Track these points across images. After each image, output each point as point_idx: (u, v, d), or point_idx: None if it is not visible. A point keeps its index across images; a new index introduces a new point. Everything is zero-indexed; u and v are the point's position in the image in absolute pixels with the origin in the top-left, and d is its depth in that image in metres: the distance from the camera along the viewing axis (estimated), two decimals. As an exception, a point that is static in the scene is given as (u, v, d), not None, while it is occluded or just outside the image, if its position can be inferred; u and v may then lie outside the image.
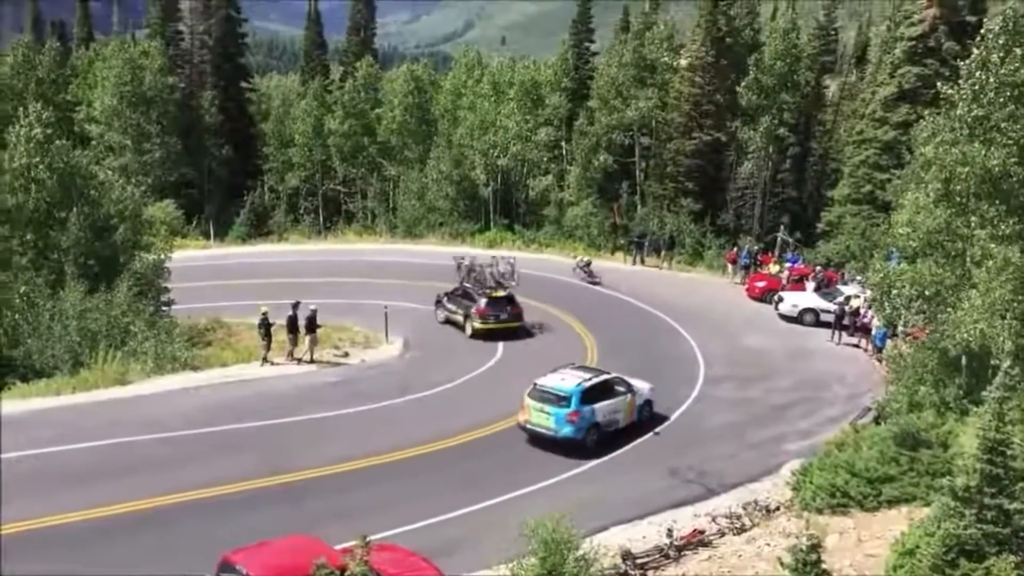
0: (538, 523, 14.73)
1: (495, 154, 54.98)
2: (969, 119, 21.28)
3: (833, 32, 67.41)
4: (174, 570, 15.86)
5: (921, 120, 26.44)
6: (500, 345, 32.10)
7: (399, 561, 14.98)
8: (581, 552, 14.82)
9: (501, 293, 33.84)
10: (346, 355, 30.48)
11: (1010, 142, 20.73)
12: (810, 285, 38.42)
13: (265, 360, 28.75)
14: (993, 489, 12.90)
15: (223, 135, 65.44)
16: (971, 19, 43.03)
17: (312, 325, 29.02)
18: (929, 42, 44.52)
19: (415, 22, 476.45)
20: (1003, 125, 20.84)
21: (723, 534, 18.84)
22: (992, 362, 20.45)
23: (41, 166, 29.98)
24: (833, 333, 33.88)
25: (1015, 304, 19.73)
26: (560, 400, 22.93)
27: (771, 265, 43.06)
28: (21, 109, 32.88)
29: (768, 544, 18.00)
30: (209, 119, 64.91)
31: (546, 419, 22.95)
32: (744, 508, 19.67)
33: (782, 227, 48.60)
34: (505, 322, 33.26)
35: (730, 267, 44.22)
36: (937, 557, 13.08)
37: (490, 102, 56.70)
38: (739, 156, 53.20)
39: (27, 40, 69.49)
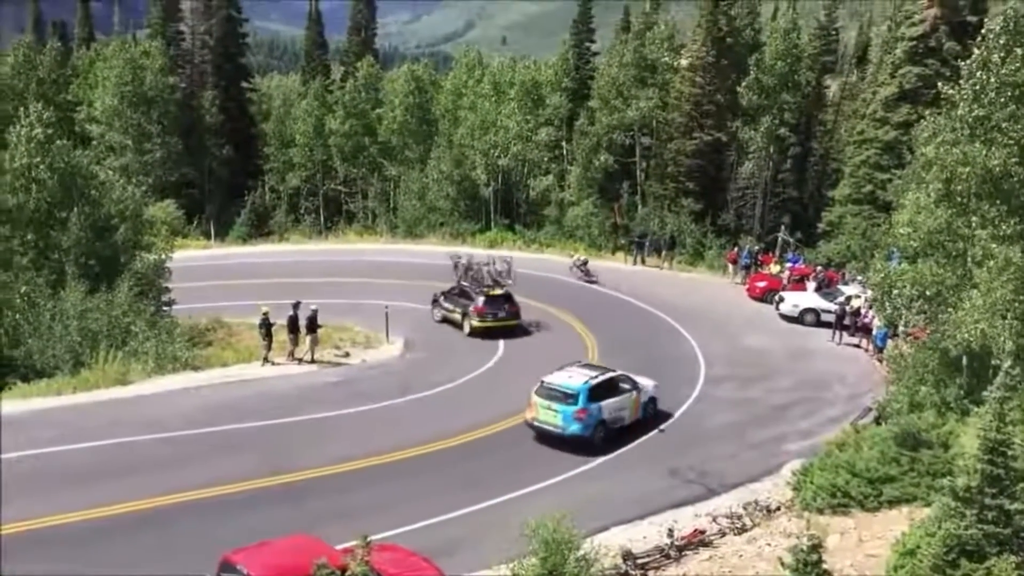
0: (539, 523, 14.74)
1: (496, 154, 54.95)
2: (970, 119, 21.28)
3: (834, 32, 67.45)
4: (174, 570, 15.87)
5: (922, 120, 26.43)
6: (501, 345, 32.10)
7: (400, 561, 14.98)
8: (582, 552, 14.83)
9: (498, 291, 33.94)
10: (347, 355, 30.49)
11: (1011, 142, 20.73)
12: (811, 285, 38.40)
13: (266, 360, 28.76)
14: (994, 489, 12.90)
15: (224, 135, 65.45)
16: (972, 19, 42.96)
17: (313, 325, 29.03)
18: (930, 42, 44.49)
19: (416, 22, 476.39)
20: (1004, 125, 20.83)
21: (724, 534, 18.84)
22: (993, 362, 20.44)
23: (42, 166, 29.99)
24: (834, 333, 33.87)
25: (1016, 304, 19.72)
26: (567, 398, 23.06)
27: (772, 265, 43.04)
28: (22, 109, 32.87)
29: (769, 544, 18.00)
30: (210, 119, 64.92)
31: (554, 416, 23.07)
32: (745, 508, 19.68)
33: (783, 227, 48.59)
34: (503, 320, 33.39)
35: (731, 267, 44.20)
36: (938, 557, 13.07)
37: (491, 102, 56.66)
38: (740, 156, 53.20)
39: (28, 40, 69.61)
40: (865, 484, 19.31)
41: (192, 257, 44.99)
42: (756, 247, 45.91)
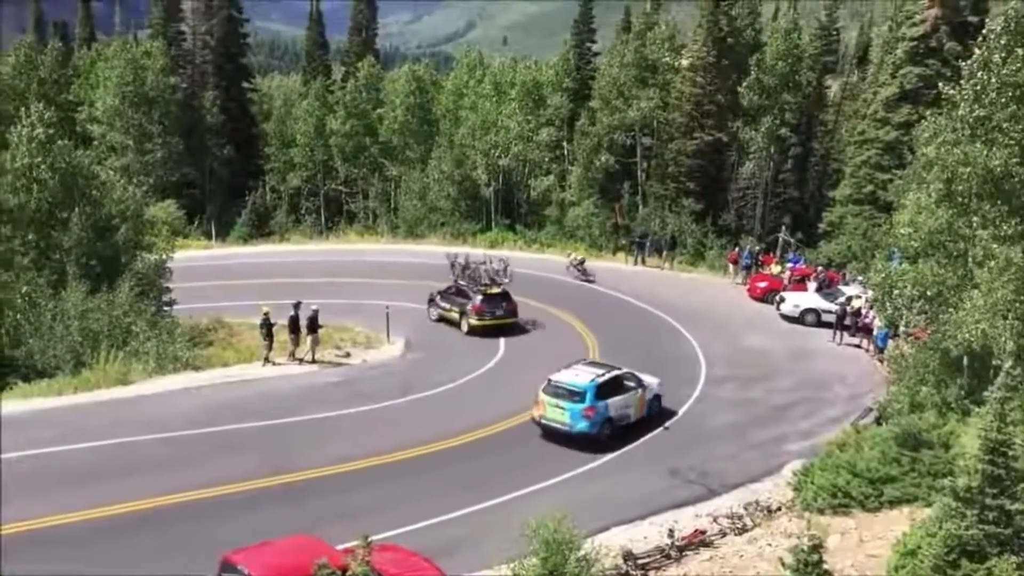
0: (539, 523, 14.73)
1: (496, 154, 54.92)
2: (971, 119, 21.27)
3: (835, 32, 67.48)
4: (174, 570, 15.89)
5: (923, 120, 26.42)
6: (501, 345, 32.11)
7: (401, 561, 14.98)
8: (583, 552, 14.82)
9: (496, 290, 34.09)
10: (348, 355, 30.49)
11: (1012, 142, 20.72)
12: (811, 285, 38.36)
13: (267, 360, 28.77)
14: (995, 490, 12.90)
15: (225, 135, 65.44)
16: (973, 19, 42.92)
17: (314, 325, 29.05)
18: (931, 42, 44.48)
19: (417, 22, 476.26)
20: (1005, 125, 20.82)
21: (724, 534, 18.84)
22: (994, 362, 20.43)
23: (43, 166, 30.00)
24: (834, 333, 33.86)
25: (1017, 304, 19.71)
26: (575, 396, 23.22)
27: (772, 265, 43.01)
28: (23, 109, 32.92)
29: (769, 544, 18.00)
30: (211, 119, 64.92)
31: (561, 414, 23.21)
32: (745, 508, 19.67)
33: (783, 227, 48.58)
34: (501, 318, 33.59)
35: (731, 267, 44.19)
36: (939, 558, 13.07)
37: (491, 102, 56.63)
38: (740, 156, 53.22)
39: (29, 40, 69.58)
40: (866, 484, 19.30)
41: (193, 257, 45.00)
42: (757, 247, 45.90)
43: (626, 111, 51.99)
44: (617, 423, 23.84)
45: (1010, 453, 12.87)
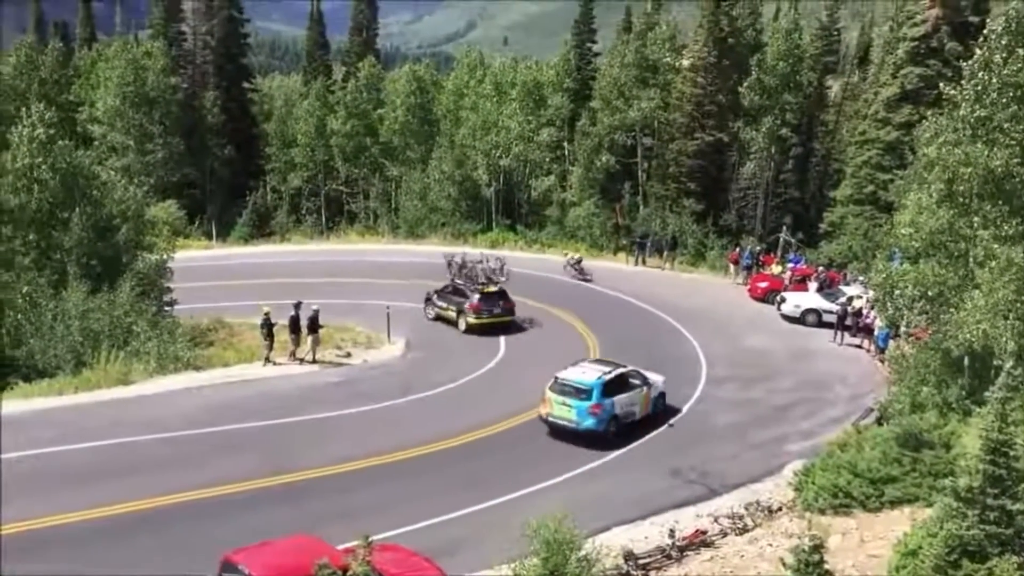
0: (540, 523, 14.72)
1: (497, 154, 54.90)
2: (972, 120, 21.28)
3: (835, 32, 67.49)
4: (175, 570, 15.89)
5: (924, 121, 26.47)
6: (502, 345, 32.11)
7: (401, 561, 14.98)
8: (583, 552, 14.81)
9: (493, 288, 34.24)
10: (348, 355, 30.49)
11: (1013, 143, 20.74)
12: (812, 286, 38.36)
13: (267, 360, 28.77)
14: (996, 490, 12.89)
15: (225, 135, 65.42)
16: (974, 19, 42.92)
17: (314, 325, 29.05)
18: (932, 43, 44.48)
19: (417, 22, 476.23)
20: (1006, 126, 20.85)
21: (725, 534, 18.84)
22: (995, 363, 20.44)
23: (44, 166, 29.98)
24: (835, 334, 33.85)
25: (1018, 305, 19.71)
26: (581, 393, 23.39)
27: (773, 266, 43.01)
28: (24, 109, 32.91)
29: (770, 544, 18.00)
30: (211, 119, 64.91)
31: (568, 412, 23.37)
32: (746, 508, 19.67)
33: (784, 228, 48.57)
34: (498, 316, 33.79)
35: (732, 268, 44.17)
36: (940, 558, 13.06)
37: (492, 102, 56.61)
38: (741, 156, 53.21)
39: (30, 40, 69.57)
40: (867, 484, 19.30)
41: (194, 257, 44.97)
42: (758, 248, 45.89)
43: (627, 111, 51.98)
44: (623, 420, 24.05)
45: (1011, 453, 12.86)
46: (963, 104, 21.48)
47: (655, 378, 25.92)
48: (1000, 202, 21.18)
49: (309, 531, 15.57)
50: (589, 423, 23.25)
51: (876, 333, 31.62)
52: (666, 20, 61.92)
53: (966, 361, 22.30)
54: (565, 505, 15.93)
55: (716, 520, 19.15)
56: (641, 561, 17.16)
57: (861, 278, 36.66)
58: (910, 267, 23.38)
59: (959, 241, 22.00)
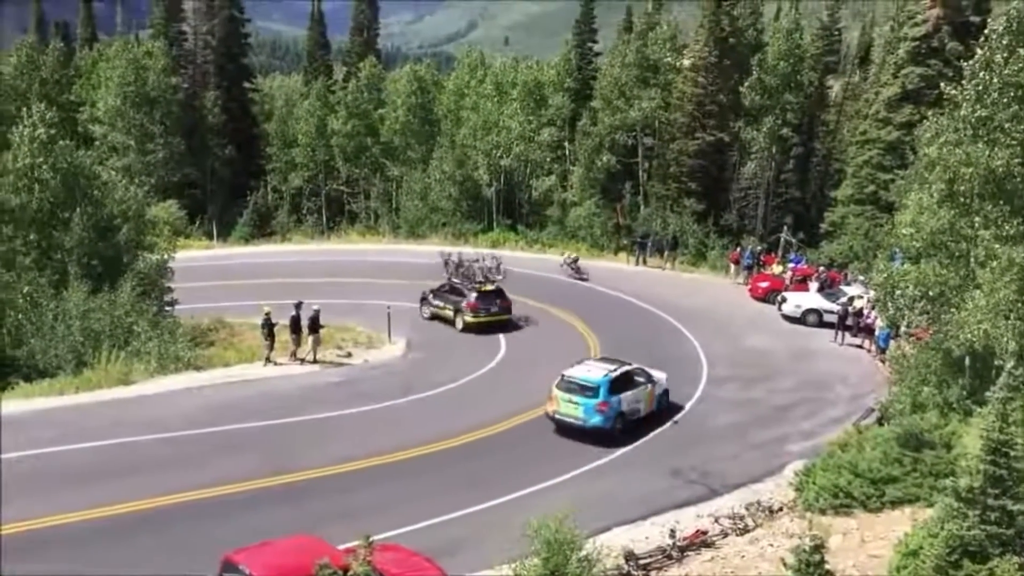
0: (541, 523, 14.72)
1: (498, 154, 54.93)
2: (973, 120, 21.27)
3: (836, 32, 67.43)
4: (175, 570, 15.89)
5: (925, 120, 26.52)
6: (503, 345, 32.10)
7: (402, 561, 14.98)
8: (584, 552, 14.80)
9: (490, 287, 34.35)
10: (349, 355, 30.49)
11: (1014, 142, 20.72)
12: (813, 286, 38.34)
13: (268, 360, 28.77)
14: (997, 490, 12.88)
15: (226, 135, 65.46)
16: (975, 19, 42.93)
17: (315, 325, 29.06)
18: (933, 42, 44.47)
19: (418, 22, 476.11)
20: (1007, 125, 20.84)
21: (726, 535, 18.83)
22: (996, 363, 20.39)
23: (45, 166, 30.00)
24: (836, 334, 33.83)
25: (1019, 305, 19.70)
26: (588, 391, 23.60)
27: (774, 266, 43.00)
28: (25, 109, 32.93)
29: (771, 545, 17.99)
30: (212, 119, 64.96)
31: (575, 409, 23.59)
32: (747, 509, 19.67)
33: (785, 227, 48.55)
34: (496, 315, 33.92)
35: (733, 268, 44.15)
36: (940, 558, 13.05)
37: (493, 102, 56.63)
38: (742, 156, 53.19)
39: (31, 41, 69.59)
40: (867, 485, 19.29)
41: (194, 257, 44.99)
42: (758, 247, 45.87)
43: (628, 111, 51.95)
44: (629, 417, 24.28)
45: (1012, 453, 12.85)
46: (964, 104, 21.48)
47: (659, 375, 26.18)
48: (1001, 202, 21.17)
49: (310, 531, 15.57)
50: (596, 420, 23.46)
51: (877, 333, 31.61)
52: (667, 20, 61.93)
53: (967, 361, 22.28)
54: (566, 505, 15.92)
55: (717, 520, 19.14)
56: (642, 561, 17.16)
57: (862, 278, 36.64)
58: (911, 267, 23.36)
59: (960, 241, 21.99)
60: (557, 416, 24.03)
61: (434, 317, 34.74)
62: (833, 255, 44.78)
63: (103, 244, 30.74)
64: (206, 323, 32.94)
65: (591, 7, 63.62)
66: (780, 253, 46.12)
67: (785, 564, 12.88)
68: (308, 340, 29.20)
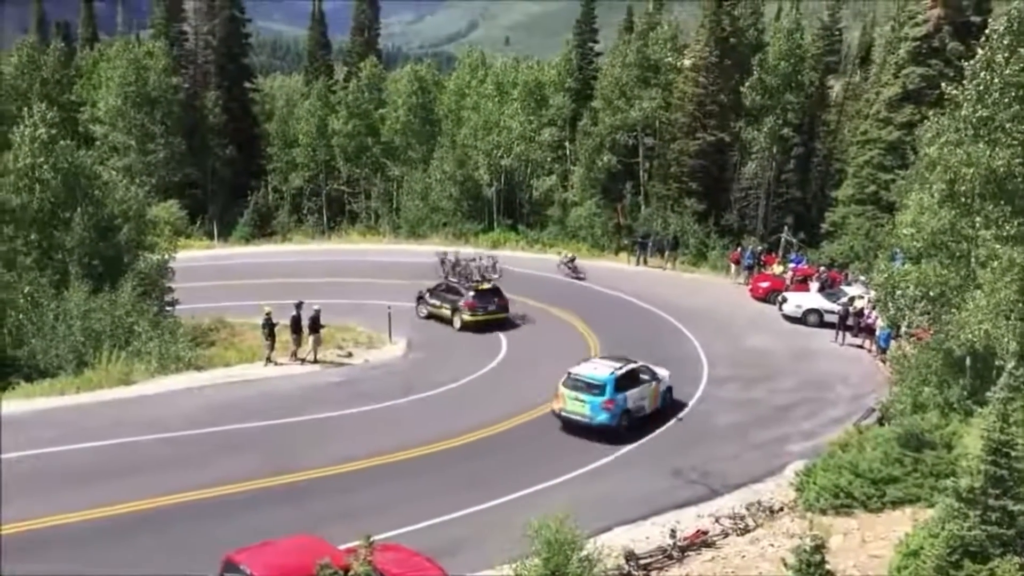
0: (541, 523, 14.72)
1: (499, 154, 54.96)
2: (974, 120, 21.27)
3: (837, 32, 67.31)
4: (176, 570, 15.89)
5: (925, 121, 26.50)
6: (503, 345, 32.11)
7: (403, 561, 14.99)
8: (585, 552, 14.80)
9: (487, 286, 34.45)
10: (349, 355, 30.50)
11: (1015, 143, 20.72)
12: (814, 286, 38.34)
13: (269, 360, 28.78)
14: (997, 490, 12.87)
15: (227, 135, 65.42)
16: (976, 19, 42.88)
17: (316, 325, 29.07)
18: (933, 42, 44.44)
19: (419, 22, 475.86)
20: (1008, 126, 20.83)
21: (726, 535, 18.83)
22: (996, 363, 20.39)
23: (45, 166, 30.01)
24: (837, 334, 33.83)
25: (1020, 305, 19.71)
26: (594, 388, 23.80)
27: (775, 266, 43.00)
28: (26, 109, 32.94)
29: (772, 545, 17.99)
30: (213, 119, 64.94)
31: (582, 407, 23.81)
32: (747, 509, 19.67)
33: (786, 227, 48.53)
34: (493, 313, 34.12)
35: (734, 268, 44.15)
36: (941, 558, 13.05)
37: (494, 102, 56.66)
38: (743, 156, 53.15)
39: (32, 40, 69.48)
40: (868, 485, 19.29)
41: (195, 257, 45.01)
42: (759, 247, 45.86)
43: (628, 111, 51.91)
44: (634, 414, 24.50)
45: (1013, 454, 12.84)
46: (965, 104, 21.47)
47: (663, 373, 26.41)
48: (1002, 202, 21.16)
49: (311, 531, 15.58)
50: (603, 418, 23.65)
51: (878, 333, 31.61)
52: (668, 20, 61.85)
53: (968, 361, 22.27)
54: (566, 505, 15.92)
55: (717, 520, 19.14)
56: (642, 561, 17.16)
57: (863, 278, 36.62)
58: (912, 267, 23.35)
59: (961, 241, 21.99)
60: (564, 414, 24.21)
61: (431, 316, 34.80)
62: (834, 255, 44.75)
63: (104, 244, 30.75)
64: (207, 323, 32.95)
65: (592, 7, 63.58)
66: (781, 253, 46.10)
67: (786, 564, 12.88)
68: (309, 340, 29.21)
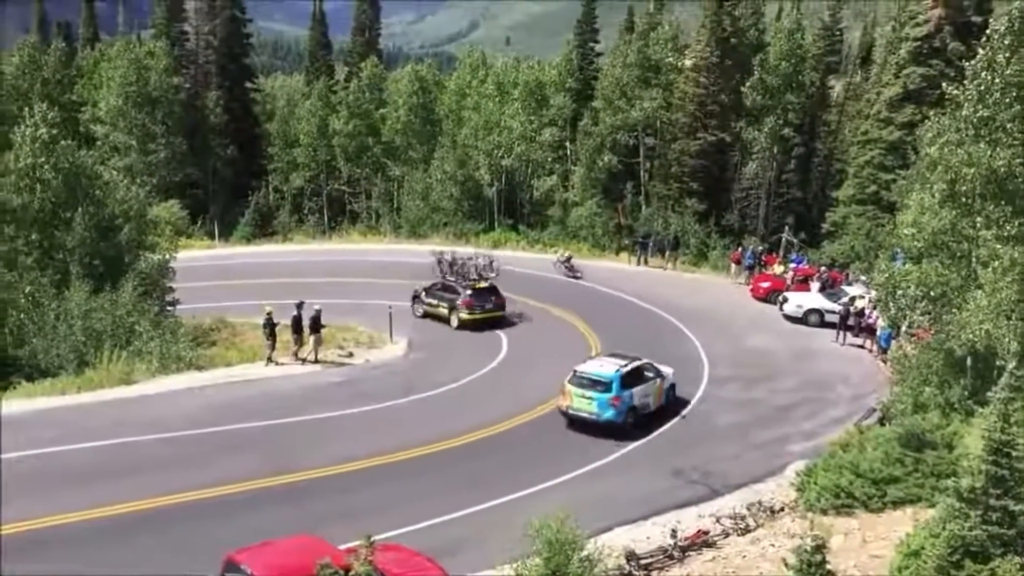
0: (542, 523, 14.71)
1: (499, 154, 55.00)
2: (974, 120, 21.26)
3: (838, 32, 67.27)
4: (176, 570, 15.89)
5: (926, 121, 26.48)
6: (504, 345, 32.11)
7: (403, 561, 14.98)
8: (585, 552, 14.79)
9: (484, 284, 34.56)
10: (350, 355, 30.50)
11: (1015, 143, 20.70)
12: (815, 286, 38.35)
13: (269, 360, 28.79)
14: (998, 490, 12.87)
15: (228, 135, 65.50)
16: (976, 19, 42.88)
17: (316, 325, 29.08)
18: (934, 42, 44.43)
19: (420, 22, 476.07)
20: (1008, 126, 20.82)
21: (727, 535, 18.82)
22: (997, 363, 20.37)
23: (46, 166, 30.02)
24: (838, 334, 33.82)
25: (1021, 305, 19.69)
26: (600, 385, 23.97)
27: (776, 266, 43.01)
28: (27, 109, 32.95)
29: (772, 545, 17.98)
30: (214, 119, 65.00)
31: (588, 404, 23.95)
32: (748, 509, 19.65)
33: (787, 227, 48.53)
34: (490, 311, 34.25)
35: (734, 268, 44.14)
36: (942, 558, 13.04)
37: (494, 102, 56.70)
38: (744, 156, 53.15)
39: (33, 40, 69.53)
40: (869, 485, 19.28)
41: (196, 257, 45.04)
42: (760, 247, 45.87)
43: (629, 111, 51.91)
44: (640, 411, 24.63)
45: (1014, 454, 12.84)
46: (966, 104, 21.46)
47: (667, 370, 26.56)
48: (1003, 202, 21.15)
49: (311, 531, 15.57)
50: (609, 415, 23.78)
51: (878, 333, 31.60)
52: (668, 20, 61.81)
53: (969, 361, 22.26)
54: (567, 505, 15.92)
55: (718, 520, 19.13)
56: (643, 561, 17.15)
57: (863, 278, 36.60)
58: (912, 267, 23.35)
59: (962, 241, 21.99)
60: (570, 411, 24.31)
61: (427, 315, 34.84)
62: (835, 255, 44.75)
63: (105, 244, 30.76)
64: (208, 323, 32.96)
65: (593, 7, 63.60)
66: (781, 253, 46.11)
67: (786, 564, 12.87)
68: (310, 340, 29.22)
